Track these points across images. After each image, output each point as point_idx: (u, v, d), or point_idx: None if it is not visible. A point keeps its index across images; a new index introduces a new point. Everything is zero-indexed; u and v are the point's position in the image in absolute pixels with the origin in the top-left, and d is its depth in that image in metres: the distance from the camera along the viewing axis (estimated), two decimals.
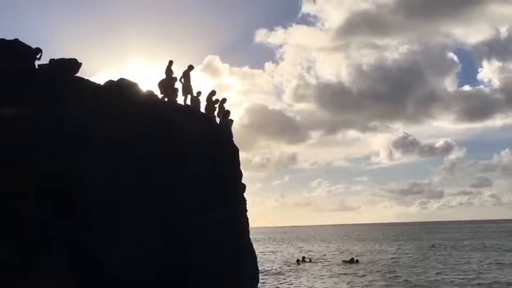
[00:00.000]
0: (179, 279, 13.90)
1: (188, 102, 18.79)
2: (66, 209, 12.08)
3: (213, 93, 19.64)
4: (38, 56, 13.67)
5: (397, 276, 32.84)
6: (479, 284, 28.15)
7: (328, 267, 41.47)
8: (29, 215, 11.34)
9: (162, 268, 13.52)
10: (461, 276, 31.13)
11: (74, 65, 14.31)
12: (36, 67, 13.61)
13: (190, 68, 19.06)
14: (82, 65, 14.49)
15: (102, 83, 15.19)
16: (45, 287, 11.20)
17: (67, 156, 12.49)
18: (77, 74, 14.51)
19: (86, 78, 14.80)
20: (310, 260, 46.84)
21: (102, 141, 13.38)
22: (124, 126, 14.07)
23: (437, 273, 33.62)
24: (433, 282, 29.70)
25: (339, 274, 35.48)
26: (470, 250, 54.98)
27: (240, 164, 19.44)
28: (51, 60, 13.87)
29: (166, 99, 17.79)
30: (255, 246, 22.08)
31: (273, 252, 62.72)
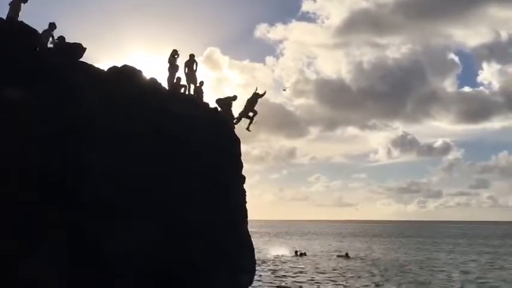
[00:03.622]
0: (176, 271, 13.89)
1: (191, 92, 18.74)
2: (68, 199, 12.05)
3: (234, 98, 19.62)
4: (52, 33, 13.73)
5: (387, 271, 33.23)
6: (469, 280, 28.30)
7: (323, 261, 41.77)
8: (31, 204, 11.29)
9: (161, 258, 13.50)
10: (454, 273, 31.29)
11: (78, 49, 14.27)
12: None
13: (192, 56, 18.96)
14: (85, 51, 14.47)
15: (105, 69, 15.16)
16: (44, 276, 11.20)
17: (71, 145, 12.44)
18: (81, 60, 14.49)
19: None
20: (305, 254, 47.02)
21: (105, 130, 13.33)
22: (126, 114, 14.04)
23: (424, 269, 34.40)
24: (421, 276, 30.14)
25: (332, 268, 35.92)
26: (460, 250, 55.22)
27: (241, 155, 19.42)
28: (55, 44, 13.83)
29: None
30: (252, 238, 22.10)
31: (269, 245, 62.88)
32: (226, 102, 19.40)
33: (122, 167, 13.21)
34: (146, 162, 13.83)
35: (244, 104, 20.46)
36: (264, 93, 20.63)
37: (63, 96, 12.56)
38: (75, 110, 12.65)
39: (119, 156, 13.25)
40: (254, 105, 20.47)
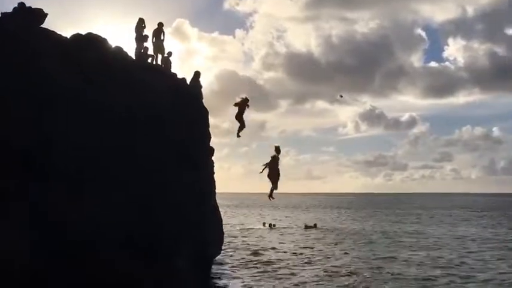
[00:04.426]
0: (145, 241, 13.84)
1: (159, 62, 18.37)
2: (31, 170, 11.78)
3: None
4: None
5: (351, 239, 34.44)
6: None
7: (291, 231, 42.73)
8: None
9: (129, 229, 13.40)
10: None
11: (38, 15, 13.73)
12: None
13: (160, 25, 18.46)
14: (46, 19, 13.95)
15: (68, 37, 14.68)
16: (12, 246, 11.02)
17: (32, 113, 12.08)
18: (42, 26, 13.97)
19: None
20: (274, 225, 47.69)
21: (68, 99, 12.97)
22: (91, 83, 13.70)
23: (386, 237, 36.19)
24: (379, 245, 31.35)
25: (299, 237, 37.04)
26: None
27: (209, 126, 19.29)
28: (15, 8, 13.27)
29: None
30: (220, 210, 22.22)
31: (238, 217, 63.49)
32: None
33: (86, 137, 12.95)
34: (111, 132, 13.58)
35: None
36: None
37: (23, 62, 12.14)
38: (37, 77, 12.25)
39: (83, 126, 12.97)
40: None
